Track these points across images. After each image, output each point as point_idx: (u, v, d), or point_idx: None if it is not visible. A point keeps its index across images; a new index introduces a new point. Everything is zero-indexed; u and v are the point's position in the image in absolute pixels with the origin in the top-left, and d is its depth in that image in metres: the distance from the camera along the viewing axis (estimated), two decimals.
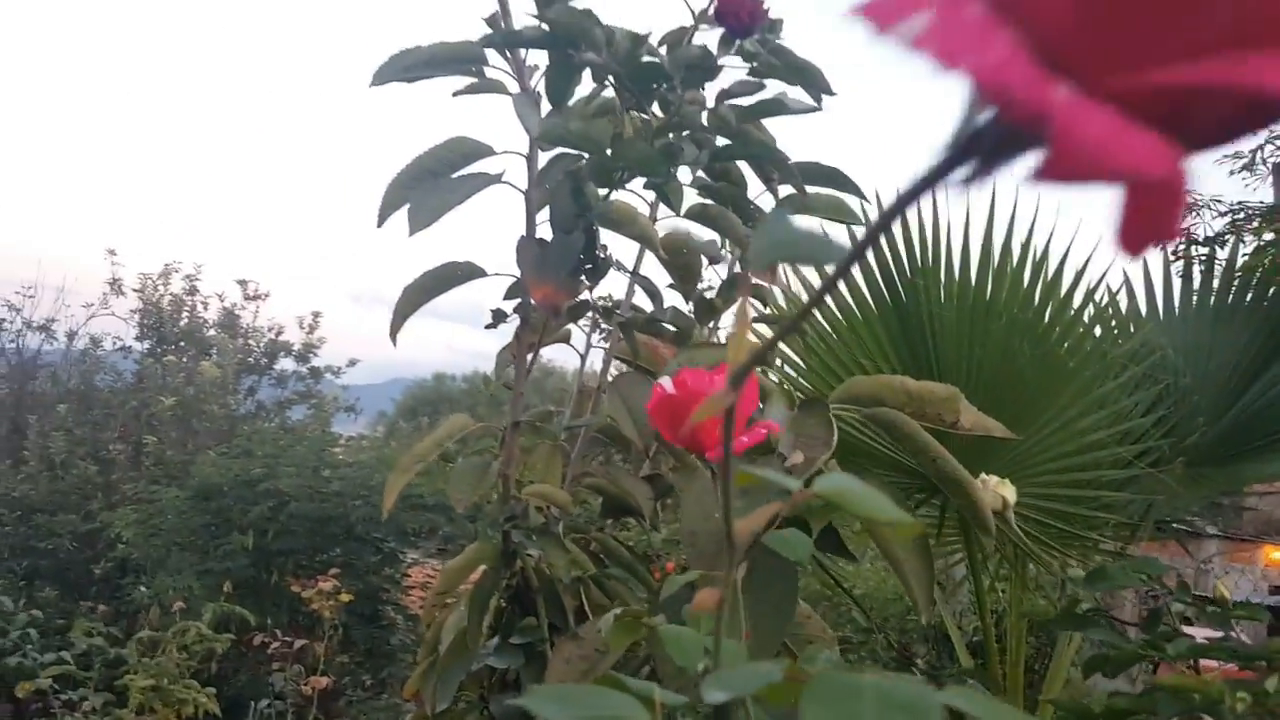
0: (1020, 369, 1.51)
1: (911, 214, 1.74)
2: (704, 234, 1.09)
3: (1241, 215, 3.70)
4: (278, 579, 3.22)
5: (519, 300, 0.98)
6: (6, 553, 4.06)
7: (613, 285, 1.19)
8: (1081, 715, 0.66)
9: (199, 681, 2.58)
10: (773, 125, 0.99)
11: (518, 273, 0.95)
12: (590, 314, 1.07)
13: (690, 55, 0.75)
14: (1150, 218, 0.14)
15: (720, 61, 0.78)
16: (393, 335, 0.96)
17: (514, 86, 0.89)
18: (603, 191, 0.87)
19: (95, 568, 3.89)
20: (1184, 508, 1.91)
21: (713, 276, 1.24)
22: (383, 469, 3.44)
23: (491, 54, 0.89)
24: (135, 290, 5.28)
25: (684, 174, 0.93)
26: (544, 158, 0.90)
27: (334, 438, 4.19)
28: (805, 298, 1.62)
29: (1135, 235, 0.15)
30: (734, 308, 1.18)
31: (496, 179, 0.90)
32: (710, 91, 0.83)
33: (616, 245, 1.02)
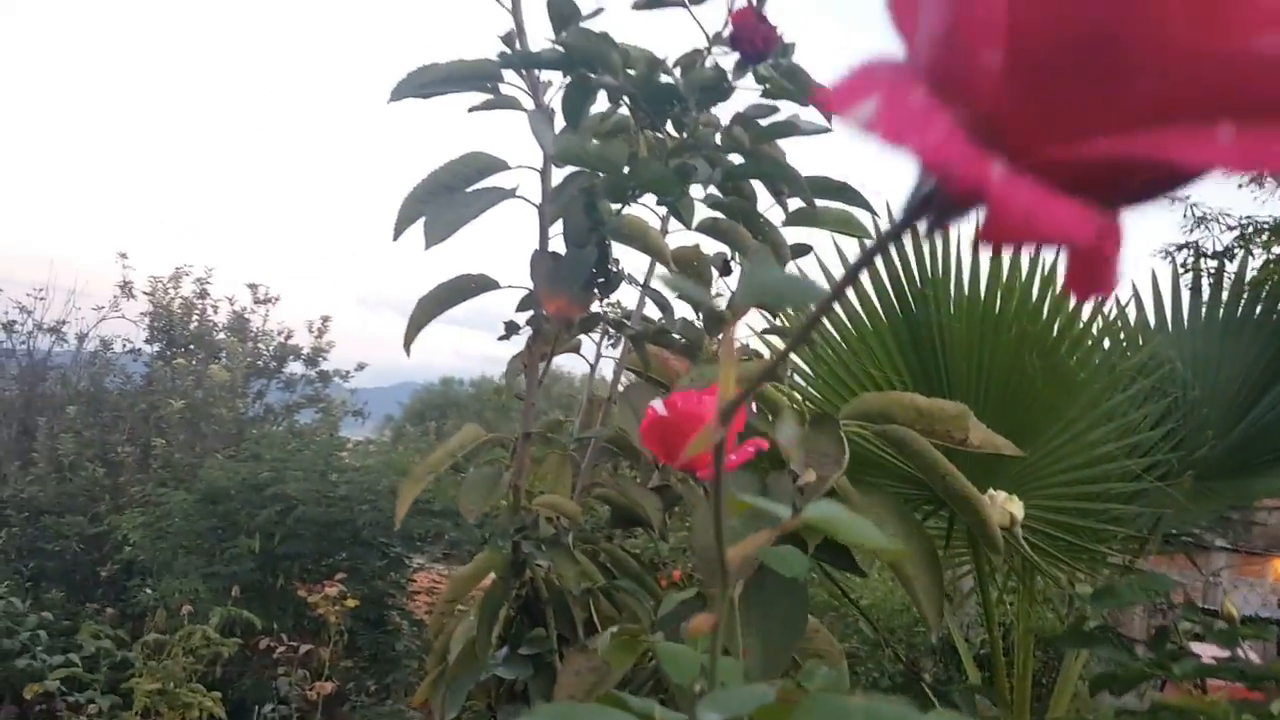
0: (1029, 381, 1.51)
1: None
2: (714, 246, 1.10)
3: (1250, 229, 3.70)
4: (284, 583, 3.23)
5: (532, 312, 0.99)
6: (14, 554, 4.08)
7: (623, 295, 1.20)
8: None
9: (204, 685, 2.59)
10: (782, 139, 1.00)
11: (530, 285, 0.96)
12: (601, 325, 1.08)
13: (704, 77, 0.76)
14: (1089, 270, 0.16)
15: (734, 84, 0.79)
16: (407, 346, 0.97)
17: (529, 103, 0.90)
18: (615, 206, 0.88)
19: (101, 570, 3.90)
20: (1193, 521, 1.90)
21: (721, 285, 1.25)
22: (390, 473, 3.45)
23: (507, 70, 0.90)
24: (146, 293, 5.32)
25: (695, 188, 0.94)
26: (557, 173, 0.91)
27: (341, 442, 4.21)
28: (814, 307, 1.62)
29: (1079, 284, 0.17)
30: (740, 320, 1.19)
31: (510, 193, 0.91)
32: (724, 110, 0.84)
33: (627, 257, 1.03)
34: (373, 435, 6.34)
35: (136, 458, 4.41)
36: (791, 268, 1.29)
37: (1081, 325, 1.60)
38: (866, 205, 1.08)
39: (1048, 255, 1.56)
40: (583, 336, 1.11)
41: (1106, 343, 1.73)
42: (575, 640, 0.91)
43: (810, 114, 0.84)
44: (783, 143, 0.98)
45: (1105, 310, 1.68)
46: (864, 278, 1.65)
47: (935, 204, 0.17)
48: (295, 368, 5.32)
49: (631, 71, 0.79)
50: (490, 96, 0.93)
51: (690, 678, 0.42)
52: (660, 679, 0.82)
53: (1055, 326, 1.57)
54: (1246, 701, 0.63)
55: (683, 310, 1.13)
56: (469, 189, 0.94)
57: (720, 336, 1.17)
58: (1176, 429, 1.67)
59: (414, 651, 3.15)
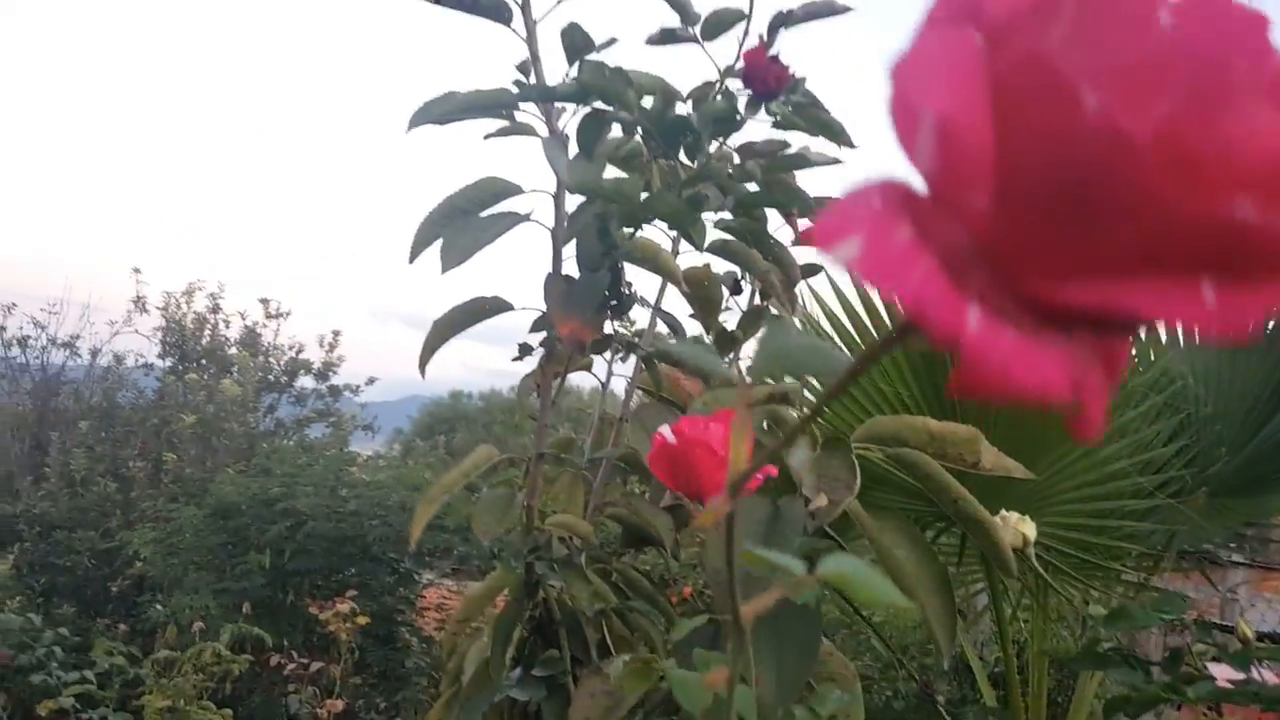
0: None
1: None
2: (725, 265, 1.11)
3: None
4: (294, 599, 3.24)
5: (545, 333, 1.00)
6: (25, 569, 4.10)
7: (635, 312, 1.21)
8: None
9: (214, 702, 2.59)
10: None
11: (544, 307, 0.97)
12: (614, 345, 1.09)
13: (717, 109, 0.77)
14: (1075, 411, 0.16)
15: (746, 117, 0.80)
16: (422, 369, 0.98)
17: (543, 129, 0.92)
18: (627, 230, 0.89)
19: (112, 585, 3.92)
20: (1207, 538, 1.89)
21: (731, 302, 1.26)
22: (399, 488, 3.46)
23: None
24: (159, 308, 5.37)
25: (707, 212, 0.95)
26: (571, 197, 0.92)
27: (352, 456, 4.22)
28: (825, 324, 1.63)
29: (1070, 424, 0.17)
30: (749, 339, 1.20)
31: (525, 218, 0.93)
32: (739, 135, 0.85)
33: (639, 276, 1.04)
34: (382, 449, 6.35)
35: (148, 473, 4.44)
36: (802, 285, 1.30)
37: None
38: None
39: None
40: (595, 356, 1.12)
41: None
42: (589, 661, 0.91)
43: (821, 144, 0.85)
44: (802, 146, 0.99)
45: None
46: (874, 295, 1.65)
47: (917, 332, 0.17)
48: (306, 382, 5.35)
49: (646, 103, 0.80)
50: (506, 123, 0.95)
51: (702, 707, 0.42)
52: (675, 701, 0.82)
53: None
54: None
55: (694, 328, 1.14)
56: (484, 213, 0.95)
57: (732, 356, 1.18)
58: (1189, 445, 1.66)
59: (423, 669, 3.14)
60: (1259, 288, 0.15)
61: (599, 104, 0.79)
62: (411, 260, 0.95)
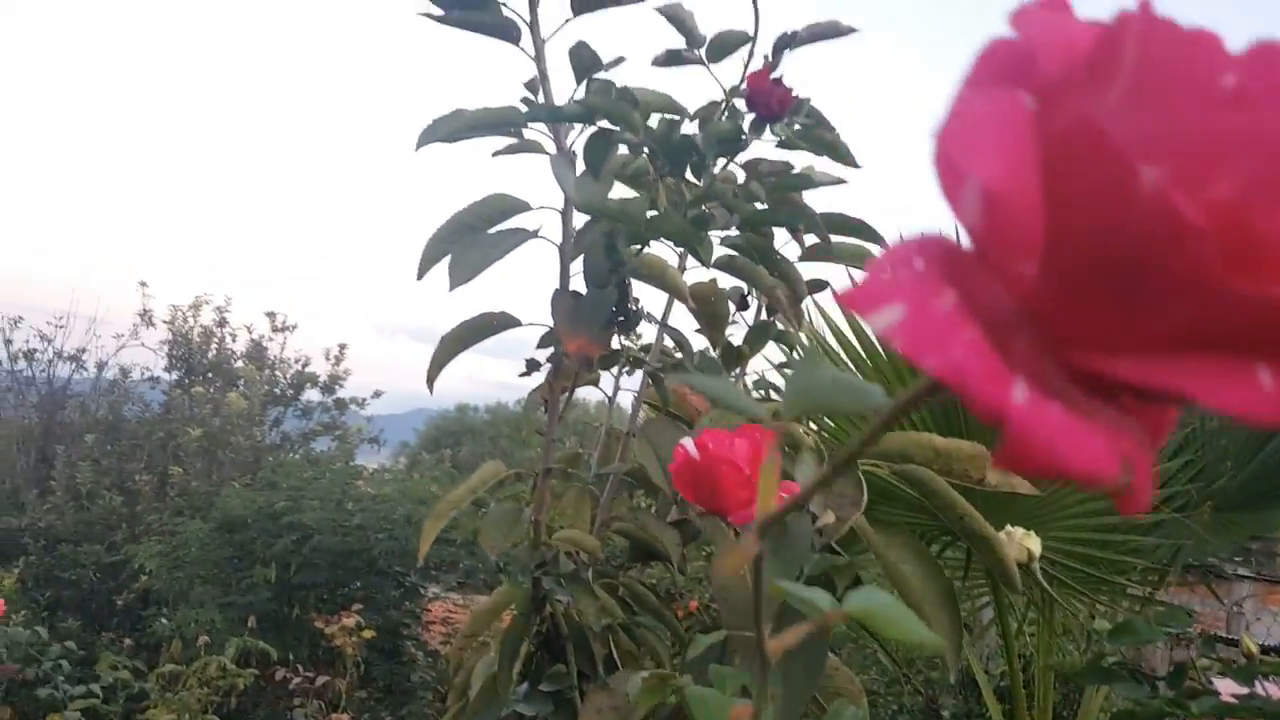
0: None
1: None
2: (732, 280, 1.12)
3: None
4: (299, 613, 3.24)
5: (552, 349, 1.01)
6: (31, 582, 4.10)
7: (641, 327, 1.22)
8: None
9: (219, 716, 2.59)
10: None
11: (550, 322, 0.98)
12: (621, 361, 1.10)
13: (722, 130, 0.79)
14: (1131, 487, 0.16)
15: (750, 138, 0.81)
16: (430, 384, 0.99)
17: (551, 146, 0.93)
18: (634, 247, 0.90)
19: (118, 599, 3.92)
20: (1212, 552, 1.88)
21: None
22: (405, 501, 3.46)
23: None
24: (166, 322, 5.40)
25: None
26: (578, 214, 0.93)
27: (358, 470, 4.23)
28: (832, 340, 1.64)
29: (1118, 502, 0.16)
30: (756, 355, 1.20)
31: (533, 234, 0.94)
32: (746, 151, 0.86)
33: (646, 291, 1.05)
34: (388, 462, 6.36)
35: (154, 486, 4.45)
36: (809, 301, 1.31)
37: None
38: (881, 241, 1.10)
39: None
40: (602, 371, 1.12)
41: None
42: (595, 677, 0.91)
43: (825, 164, 0.86)
44: (806, 164, 1.00)
45: None
46: None
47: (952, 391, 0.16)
48: (312, 395, 5.37)
49: (655, 120, 0.82)
50: (514, 141, 0.96)
51: None
52: (681, 715, 0.83)
53: None
54: None
55: (701, 342, 1.15)
56: (492, 230, 0.97)
57: (738, 371, 1.19)
58: (1194, 460, 1.66)
59: (429, 683, 3.13)
60: None
61: (605, 123, 0.80)
62: (420, 277, 0.96)
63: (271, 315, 5.50)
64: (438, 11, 0.95)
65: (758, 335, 1.15)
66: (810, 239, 1.08)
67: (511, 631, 0.95)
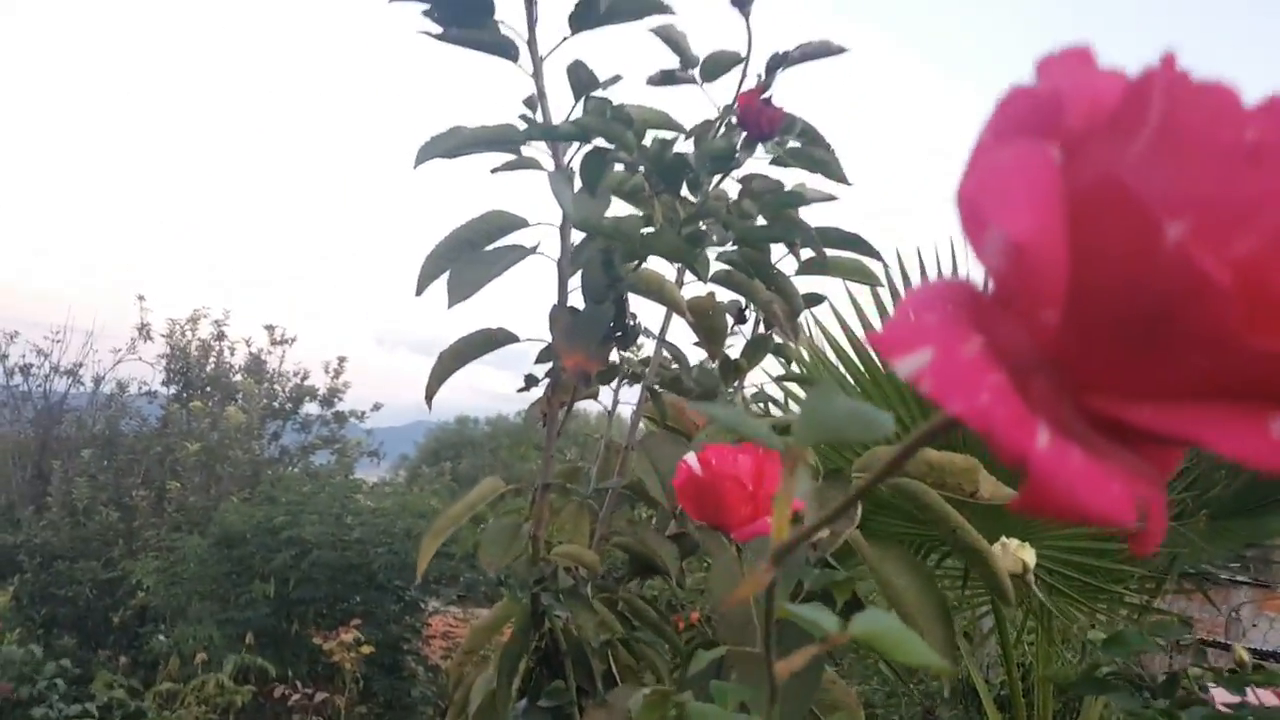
0: None
1: (931, 266, 1.78)
2: (730, 294, 1.13)
3: None
4: (298, 629, 3.22)
5: (550, 364, 1.01)
6: (26, 600, 4.08)
7: (641, 339, 1.23)
8: None
9: None
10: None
11: (549, 337, 0.99)
12: (619, 375, 1.11)
13: (715, 148, 0.80)
14: (1146, 530, 0.16)
15: (743, 157, 0.83)
16: (428, 400, 1.00)
17: (549, 163, 0.94)
18: (632, 263, 0.91)
19: (114, 616, 3.90)
20: (1208, 559, 1.89)
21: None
22: (405, 515, 3.45)
23: None
24: (163, 335, 5.40)
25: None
26: (576, 230, 0.94)
27: (357, 484, 4.22)
28: (830, 354, 1.65)
29: (1131, 543, 0.17)
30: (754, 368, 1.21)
31: (531, 251, 0.95)
32: (744, 166, 0.88)
33: (644, 305, 1.06)
34: (388, 475, 6.34)
35: (151, 501, 4.43)
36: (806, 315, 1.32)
37: None
38: (877, 255, 1.11)
39: None
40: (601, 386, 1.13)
41: None
42: (594, 693, 0.92)
43: (817, 181, 0.87)
44: (798, 180, 1.01)
45: None
46: (877, 322, 1.67)
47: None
48: (311, 408, 5.36)
49: (653, 134, 0.83)
50: (513, 157, 0.97)
51: None
52: None
53: None
54: None
55: (699, 355, 1.16)
56: (490, 246, 0.97)
57: (736, 384, 1.20)
58: (1190, 468, 1.67)
59: (429, 698, 3.12)
60: None
61: (601, 141, 0.82)
62: (418, 293, 0.97)
63: (270, 328, 5.51)
64: (436, 29, 0.97)
65: (756, 349, 1.16)
66: (807, 253, 1.09)
67: (510, 647, 0.96)
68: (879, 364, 1.60)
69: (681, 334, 1.15)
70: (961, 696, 2.30)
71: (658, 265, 1.01)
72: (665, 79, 0.86)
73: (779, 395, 1.54)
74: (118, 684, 2.82)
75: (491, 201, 1.00)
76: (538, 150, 0.98)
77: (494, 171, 0.97)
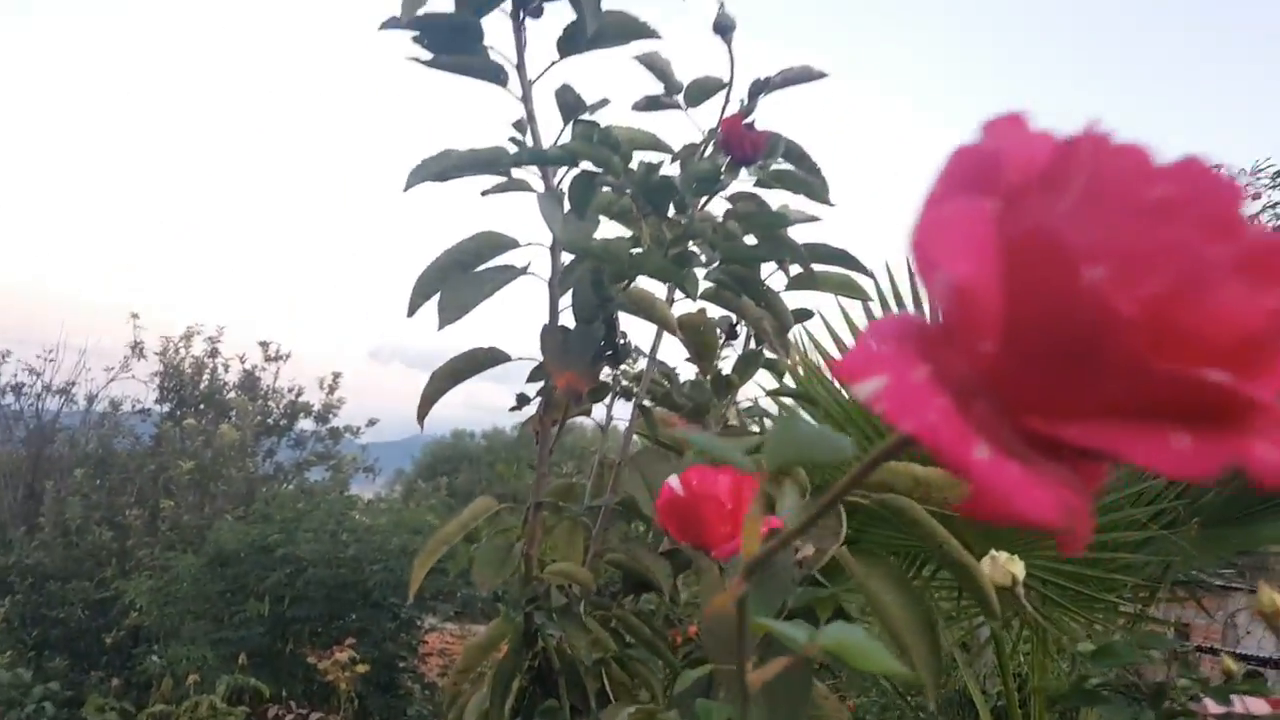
0: None
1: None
2: (721, 310, 1.14)
3: None
4: (293, 648, 3.21)
5: (542, 383, 1.02)
6: (17, 621, 4.05)
7: (631, 356, 1.24)
8: None
9: None
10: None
11: (540, 356, 1.00)
12: (611, 392, 1.11)
13: (700, 171, 0.81)
14: (1072, 532, 0.18)
15: (727, 179, 0.84)
16: (420, 420, 1.01)
17: (539, 184, 0.95)
18: (621, 283, 0.92)
19: (107, 636, 3.87)
20: (1200, 567, 1.90)
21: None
22: (401, 532, 3.44)
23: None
24: (157, 353, 5.39)
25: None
26: (567, 252, 0.95)
27: (353, 500, 4.21)
28: (824, 368, 1.66)
29: (1060, 542, 0.19)
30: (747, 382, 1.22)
31: (522, 271, 0.96)
32: (734, 182, 0.89)
33: (635, 323, 1.07)
34: (384, 490, 6.32)
35: (145, 520, 4.41)
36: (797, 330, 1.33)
37: None
38: (865, 270, 1.12)
39: None
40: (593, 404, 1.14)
41: None
42: (588, 711, 0.92)
43: (801, 202, 0.88)
44: (783, 200, 1.03)
45: None
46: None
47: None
48: (306, 425, 5.35)
49: (643, 155, 0.84)
50: (503, 179, 0.98)
51: None
52: None
53: None
54: None
55: (690, 370, 1.17)
56: (481, 267, 0.98)
57: (728, 400, 1.21)
58: None
59: (426, 716, 3.10)
60: (1225, 438, 0.17)
61: (589, 164, 0.83)
62: (410, 314, 0.98)
63: (265, 344, 5.50)
64: (426, 55, 0.98)
65: (747, 364, 1.17)
66: (795, 269, 1.10)
67: (503, 666, 0.96)
68: None
69: (674, 350, 1.16)
70: (959, 707, 2.30)
71: (649, 283, 1.02)
72: (650, 104, 0.87)
73: (774, 409, 1.55)
74: (109, 706, 2.80)
75: (484, 218, 1.01)
76: (528, 172, 0.99)
77: (484, 194, 0.98)
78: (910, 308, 1.65)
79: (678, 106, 0.87)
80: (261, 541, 3.40)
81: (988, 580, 0.70)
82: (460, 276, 0.97)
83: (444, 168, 0.94)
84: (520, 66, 0.98)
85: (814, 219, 0.90)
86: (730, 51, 0.84)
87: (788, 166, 0.90)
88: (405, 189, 0.95)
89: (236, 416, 5.04)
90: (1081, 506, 0.18)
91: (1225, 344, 0.17)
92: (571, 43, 0.94)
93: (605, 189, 0.87)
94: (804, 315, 1.19)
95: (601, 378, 1.04)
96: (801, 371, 1.64)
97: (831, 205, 0.88)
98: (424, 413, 1.00)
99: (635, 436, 1.16)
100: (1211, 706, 0.76)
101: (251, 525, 3.59)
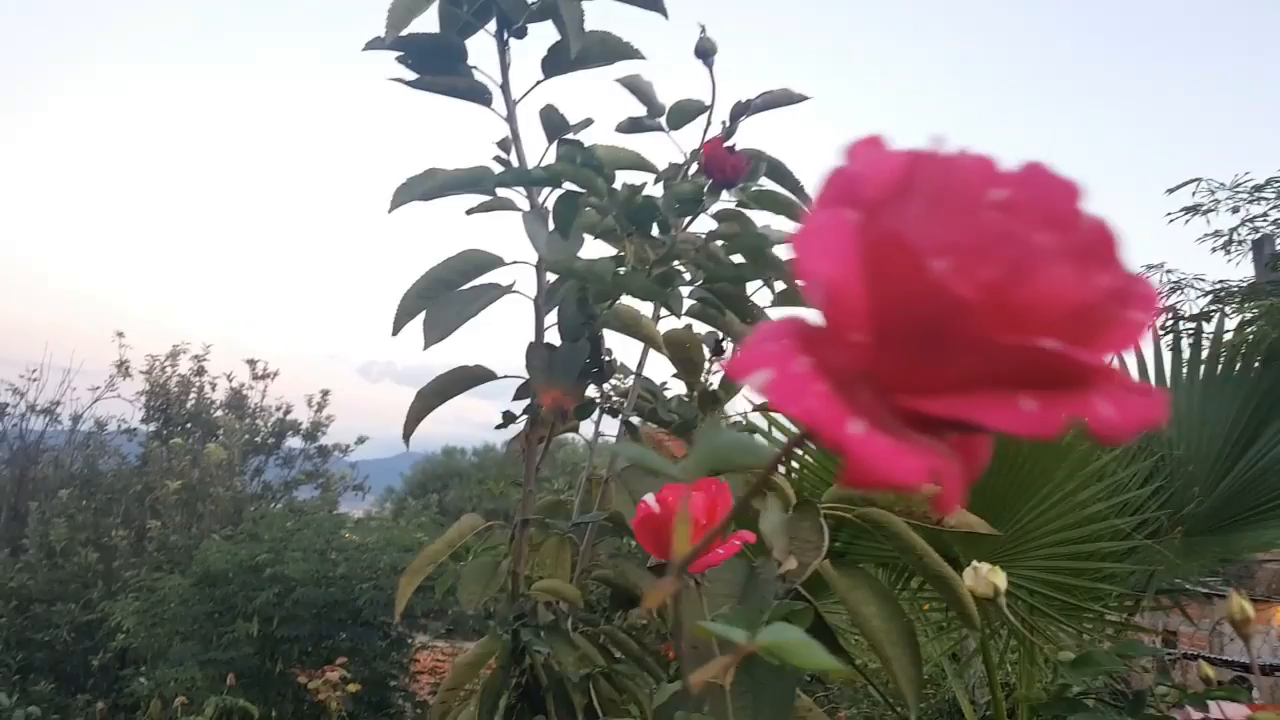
0: (1018, 442, 1.55)
1: None
2: (707, 326, 1.15)
3: (1223, 293, 3.87)
4: (282, 668, 3.18)
5: (528, 400, 1.03)
6: (1, 645, 3.99)
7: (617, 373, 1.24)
8: None
9: None
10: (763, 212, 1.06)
11: (526, 375, 1.01)
12: (598, 409, 1.12)
13: (682, 192, 0.82)
14: (941, 493, 0.21)
15: (709, 201, 0.85)
16: (406, 438, 1.01)
17: (524, 203, 0.96)
18: (605, 301, 0.93)
19: (93, 659, 3.82)
20: (1184, 575, 1.92)
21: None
22: (391, 550, 3.42)
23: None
24: (143, 372, 5.36)
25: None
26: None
27: (342, 518, 4.18)
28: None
29: (937, 504, 0.21)
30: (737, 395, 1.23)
31: (507, 290, 0.96)
32: (719, 200, 0.91)
33: (622, 339, 1.07)
34: (374, 508, 6.28)
35: (131, 541, 4.37)
36: None
37: None
38: None
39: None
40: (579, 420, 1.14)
41: None
42: None
43: (781, 222, 0.90)
44: (767, 219, 1.04)
45: None
46: None
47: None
48: (294, 443, 5.32)
49: (626, 176, 0.85)
50: (488, 198, 0.99)
51: None
52: None
53: None
54: None
55: (678, 386, 1.18)
56: (466, 285, 0.99)
57: (715, 414, 1.22)
58: (1164, 486, 1.70)
59: None
60: (1066, 399, 0.20)
61: (573, 191, 0.84)
62: (395, 333, 0.98)
63: (252, 363, 5.48)
64: (410, 76, 0.99)
65: (732, 380, 1.18)
66: (780, 286, 1.11)
67: (491, 684, 0.96)
68: None
69: (661, 366, 1.17)
70: (948, 716, 2.30)
71: (634, 300, 1.03)
72: (634, 126, 0.89)
73: (763, 424, 1.56)
74: None
75: (470, 235, 1.02)
76: (513, 192, 1.00)
77: (469, 213, 0.99)
78: None
79: (660, 129, 0.89)
80: (250, 561, 3.37)
81: (967, 591, 0.70)
82: (445, 296, 0.97)
83: (429, 187, 0.95)
84: (505, 86, 1.00)
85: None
86: (712, 75, 0.86)
87: (771, 186, 0.92)
88: (390, 209, 0.96)
89: (224, 435, 5.01)
90: (949, 471, 0.21)
91: (1059, 318, 0.19)
92: (555, 63, 0.95)
93: (589, 209, 0.88)
94: None
95: (587, 395, 1.05)
96: None
97: None
98: (410, 430, 1.00)
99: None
100: (1191, 713, 0.77)
101: (240, 545, 3.56)
